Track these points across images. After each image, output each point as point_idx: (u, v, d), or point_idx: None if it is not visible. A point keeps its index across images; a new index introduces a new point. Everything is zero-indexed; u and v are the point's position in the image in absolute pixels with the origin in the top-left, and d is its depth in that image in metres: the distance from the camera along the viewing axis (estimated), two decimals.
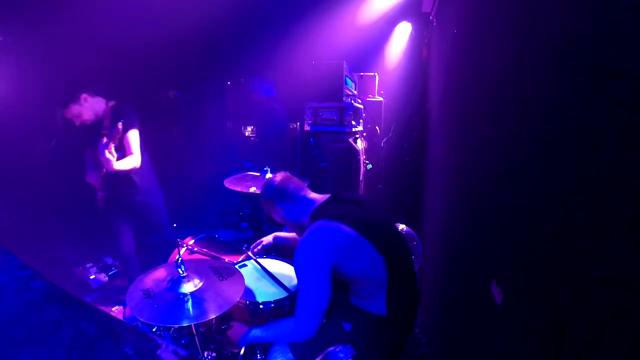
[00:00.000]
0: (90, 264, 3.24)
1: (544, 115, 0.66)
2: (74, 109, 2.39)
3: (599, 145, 0.47)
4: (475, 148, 1.22)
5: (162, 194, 2.83)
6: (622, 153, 0.43)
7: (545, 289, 0.62)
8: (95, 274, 3.16)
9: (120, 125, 2.23)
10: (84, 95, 2.40)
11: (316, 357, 1.24)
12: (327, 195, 1.55)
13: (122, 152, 2.41)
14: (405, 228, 2.83)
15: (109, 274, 3.23)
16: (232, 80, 4.75)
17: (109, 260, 3.36)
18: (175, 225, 1.55)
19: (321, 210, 1.46)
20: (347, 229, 1.34)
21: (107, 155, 2.21)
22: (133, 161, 2.41)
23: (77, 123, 2.44)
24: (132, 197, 2.61)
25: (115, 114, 2.44)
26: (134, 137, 2.43)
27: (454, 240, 1.58)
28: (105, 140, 2.22)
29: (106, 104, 2.51)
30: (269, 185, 1.59)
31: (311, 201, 1.52)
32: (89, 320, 0.40)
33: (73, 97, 2.39)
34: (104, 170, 2.40)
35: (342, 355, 1.16)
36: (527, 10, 0.78)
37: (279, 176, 1.61)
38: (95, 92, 2.49)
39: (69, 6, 2.98)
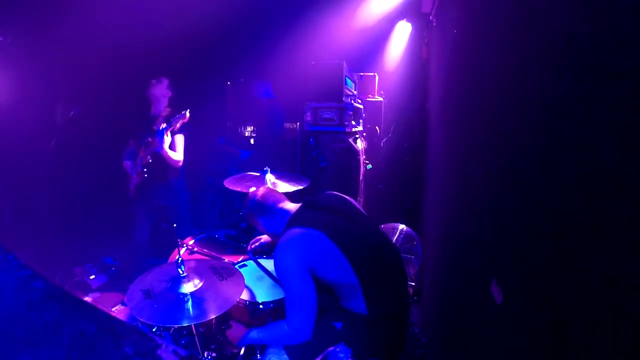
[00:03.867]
0: (90, 264, 3.24)
1: (544, 115, 0.66)
2: (159, 90, 2.79)
3: (599, 145, 0.47)
4: (475, 148, 1.22)
5: (188, 204, 3.08)
6: (622, 153, 0.43)
7: (545, 289, 0.62)
8: (95, 274, 3.16)
9: (187, 112, 2.52)
10: (167, 82, 2.83)
11: (310, 356, 1.24)
12: (300, 204, 1.62)
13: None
14: (405, 228, 2.83)
15: (109, 274, 3.22)
16: (232, 80, 4.75)
17: (109, 260, 3.36)
18: (175, 225, 1.56)
19: (293, 219, 1.53)
20: (315, 232, 1.40)
21: (165, 137, 2.53)
22: (178, 157, 2.72)
23: (154, 104, 2.80)
24: (160, 196, 2.85)
25: (169, 119, 2.69)
26: (181, 140, 2.77)
27: (454, 240, 1.58)
28: (164, 125, 2.54)
29: (168, 105, 2.84)
30: (250, 200, 1.66)
31: (287, 212, 1.60)
32: (89, 320, 0.40)
33: (161, 81, 2.77)
34: (148, 158, 2.69)
35: (342, 355, 1.16)
36: (527, 10, 0.78)
37: (260, 191, 1.69)
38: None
39: (69, 6, 2.98)
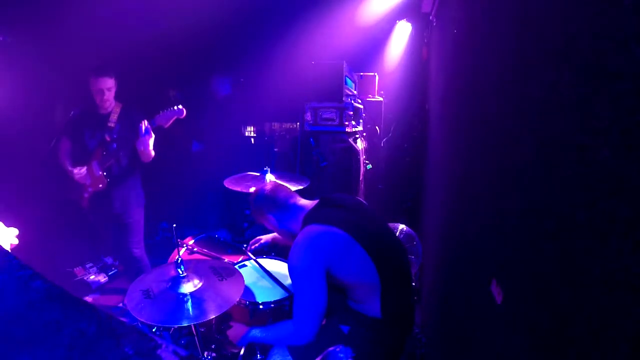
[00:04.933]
0: (90, 264, 3.25)
1: (544, 115, 0.66)
2: (109, 82, 2.46)
3: (599, 145, 0.47)
4: (475, 148, 1.22)
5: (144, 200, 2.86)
6: (622, 153, 0.43)
7: (545, 289, 0.62)
8: (95, 274, 3.16)
9: (183, 108, 2.37)
10: (114, 77, 2.50)
11: (315, 359, 1.24)
12: (317, 201, 1.56)
13: (134, 151, 2.48)
14: (405, 228, 2.83)
15: (109, 274, 3.23)
16: (231, 80, 4.74)
17: (109, 260, 3.36)
18: (175, 225, 1.55)
19: (311, 215, 1.47)
20: (337, 231, 1.35)
21: (152, 133, 2.36)
22: (153, 153, 2.50)
23: (104, 97, 2.47)
24: (121, 200, 2.63)
25: (126, 115, 2.53)
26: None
27: (454, 240, 1.58)
28: (146, 122, 2.36)
29: (115, 102, 2.59)
30: (259, 195, 1.59)
31: (301, 208, 1.53)
32: (89, 320, 0.40)
33: (110, 71, 2.47)
34: (112, 161, 2.47)
35: (342, 355, 1.16)
36: (527, 10, 0.78)
37: (269, 185, 1.62)
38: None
39: (69, 6, 2.98)
